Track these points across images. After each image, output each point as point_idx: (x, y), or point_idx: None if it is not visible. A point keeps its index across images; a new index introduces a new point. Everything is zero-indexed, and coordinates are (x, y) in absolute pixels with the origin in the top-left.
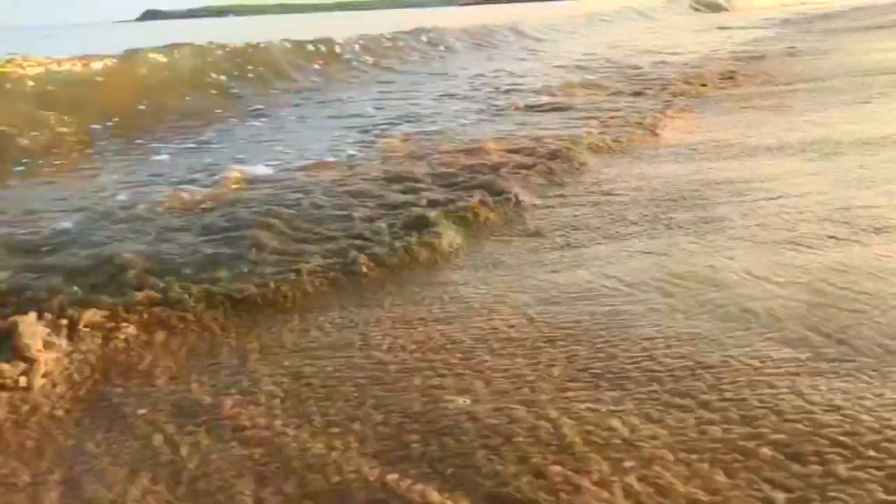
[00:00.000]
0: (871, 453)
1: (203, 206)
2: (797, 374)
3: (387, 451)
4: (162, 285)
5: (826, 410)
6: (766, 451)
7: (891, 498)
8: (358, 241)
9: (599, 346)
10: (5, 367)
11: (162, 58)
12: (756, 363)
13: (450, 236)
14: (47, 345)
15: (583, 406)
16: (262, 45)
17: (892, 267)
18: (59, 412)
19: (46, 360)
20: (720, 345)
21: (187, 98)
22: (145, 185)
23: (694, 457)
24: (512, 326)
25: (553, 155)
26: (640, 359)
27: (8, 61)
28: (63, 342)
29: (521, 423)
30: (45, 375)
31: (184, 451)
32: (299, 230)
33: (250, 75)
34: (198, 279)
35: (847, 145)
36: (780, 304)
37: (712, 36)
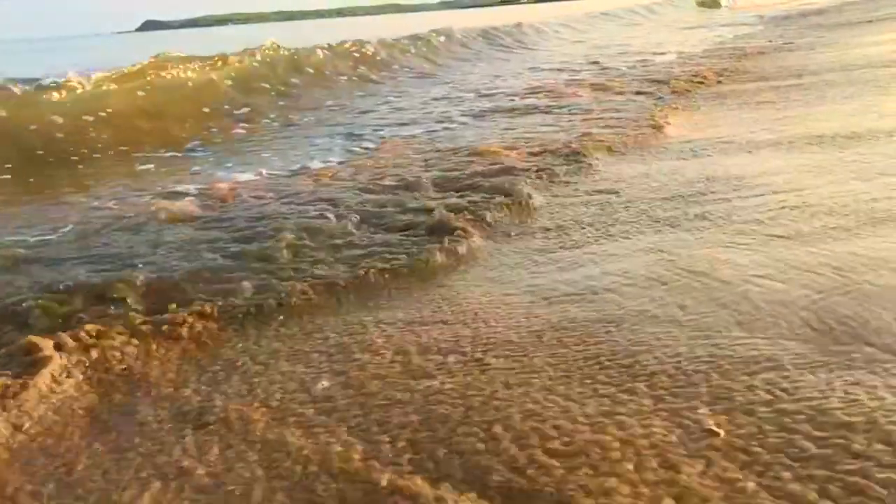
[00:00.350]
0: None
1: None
2: (802, 367)
3: (390, 450)
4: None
5: (832, 403)
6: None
7: None
8: (379, 249)
9: (605, 342)
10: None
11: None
12: (761, 357)
13: (470, 240)
14: (61, 354)
15: (589, 403)
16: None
17: (894, 258)
18: (74, 421)
19: (60, 370)
20: (726, 339)
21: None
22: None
23: (696, 455)
24: (519, 325)
25: (559, 155)
26: (645, 355)
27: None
28: (75, 354)
29: (527, 420)
30: (58, 385)
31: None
32: (331, 236)
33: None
34: (219, 291)
35: (846, 139)
36: (785, 298)
37: (712, 32)
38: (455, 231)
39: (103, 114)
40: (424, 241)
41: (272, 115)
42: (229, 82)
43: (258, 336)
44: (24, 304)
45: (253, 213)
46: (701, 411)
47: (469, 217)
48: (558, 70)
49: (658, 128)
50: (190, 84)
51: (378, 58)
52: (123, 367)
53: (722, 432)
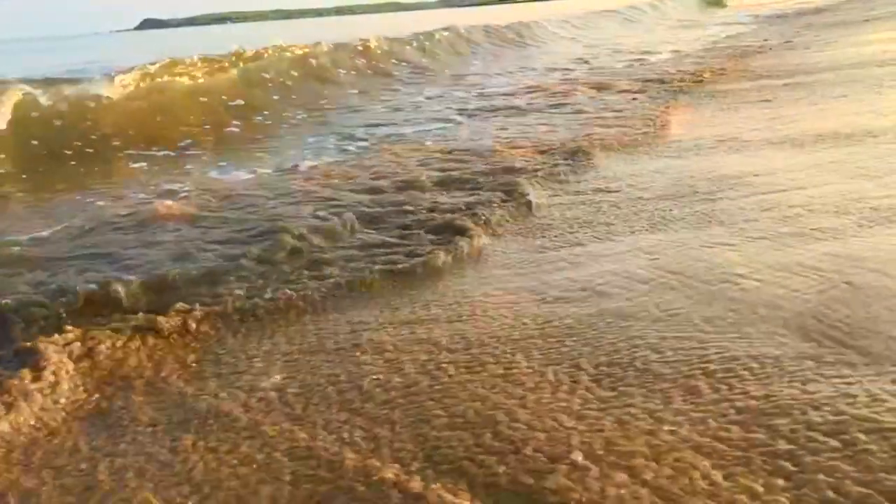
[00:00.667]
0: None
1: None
2: (803, 367)
3: (394, 449)
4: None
5: (837, 403)
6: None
7: None
8: (379, 249)
9: (606, 342)
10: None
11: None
12: (762, 356)
13: (476, 240)
14: (62, 356)
15: (591, 402)
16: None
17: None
18: (70, 421)
19: (56, 370)
20: (726, 338)
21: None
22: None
23: (697, 454)
24: (521, 324)
25: (560, 153)
26: (646, 354)
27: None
28: (71, 354)
29: (527, 419)
30: (54, 385)
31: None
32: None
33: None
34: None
35: (845, 137)
36: (786, 297)
37: (711, 31)
38: (457, 231)
39: (99, 113)
40: (425, 240)
41: (268, 113)
42: (228, 83)
43: (257, 337)
44: (18, 305)
45: (250, 212)
46: (701, 412)
47: (470, 216)
48: (557, 69)
49: (658, 126)
50: (187, 83)
51: (377, 56)
52: (119, 367)
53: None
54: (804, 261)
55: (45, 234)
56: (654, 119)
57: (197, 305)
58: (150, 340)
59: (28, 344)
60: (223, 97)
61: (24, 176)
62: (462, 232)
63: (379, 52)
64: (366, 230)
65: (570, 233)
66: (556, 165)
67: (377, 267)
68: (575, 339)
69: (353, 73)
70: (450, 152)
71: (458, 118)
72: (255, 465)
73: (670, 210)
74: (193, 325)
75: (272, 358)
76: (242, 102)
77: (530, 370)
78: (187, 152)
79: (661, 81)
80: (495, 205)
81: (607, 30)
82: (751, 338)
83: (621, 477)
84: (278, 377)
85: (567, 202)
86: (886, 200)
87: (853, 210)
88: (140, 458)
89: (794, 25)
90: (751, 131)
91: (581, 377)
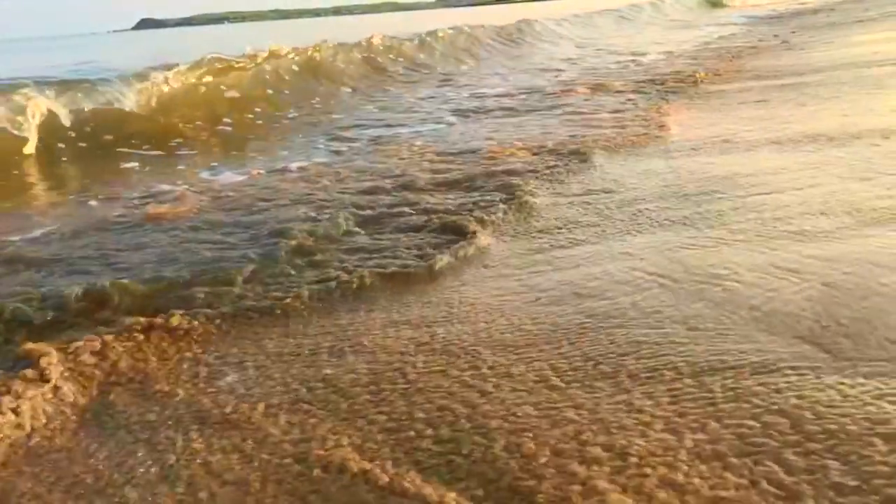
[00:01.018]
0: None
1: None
2: (802, 369)
3: (397, 449)
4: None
5: (835, 404)
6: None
7: None
8: (378, 249)
9: (604, 342)
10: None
11: None
12: (760, 358)
13: (476, 241)
14: (60, 360)
15: (589, 402)
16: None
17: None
18: (67, 423)
19: (52, 373)
20: (724, 339)
21: None
22: None
23: (698, 455)
24: (520, 325)
25: (559, 154)
26: (645, 355)
27: None
28: (67, 357)
29: (527, 420)
30: (50, 388)
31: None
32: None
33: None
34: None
35: (844, 138)
36: (784, 298)
37: (709, 31)
38: (456, 231)
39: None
40: (426, 241)
41: (265, 112)
42: (225, 84)
43: (255, 337)
44: (10, 306)
45: (244, 214)
46: (700, 412)
47: (470, 217)
48: (556, 69)
49: (656, 127)
50: (183, 82)
51: (375, 56)
52: (116, 368)
53: None
54: (804, 260)
55: (36, 234)
56: (650, 120)
57: (191, 307)
58: (143, 342)
59: (20, 346)
60: (221, 89)
61: (14, 172)
62: (462, 233)
63: (380, 51)
64: (366, 231)
65: (570, 233)
66: (553, 166)
67: (377, 267)
68: (570, 337)
69: (354, 74)
70: (449, 152)
71: (459, 119)
72: (252, 468)
73: (675, 210)
74: (187, 327)
75: (266, 360)
76: (244, 106)
77: (530, 372)
78: (179, 152)
79: (662, 82)
80: (494, 206)
81: (606, 29)
82: (751, 339)
83: (610, 478)
84: (272, 380)
85: (565, 203)
86: (874, 202)
87: (840, 212)
88: (138, 459)
89: (789, 26)
90: (752, 131)
91: (581, 377)
